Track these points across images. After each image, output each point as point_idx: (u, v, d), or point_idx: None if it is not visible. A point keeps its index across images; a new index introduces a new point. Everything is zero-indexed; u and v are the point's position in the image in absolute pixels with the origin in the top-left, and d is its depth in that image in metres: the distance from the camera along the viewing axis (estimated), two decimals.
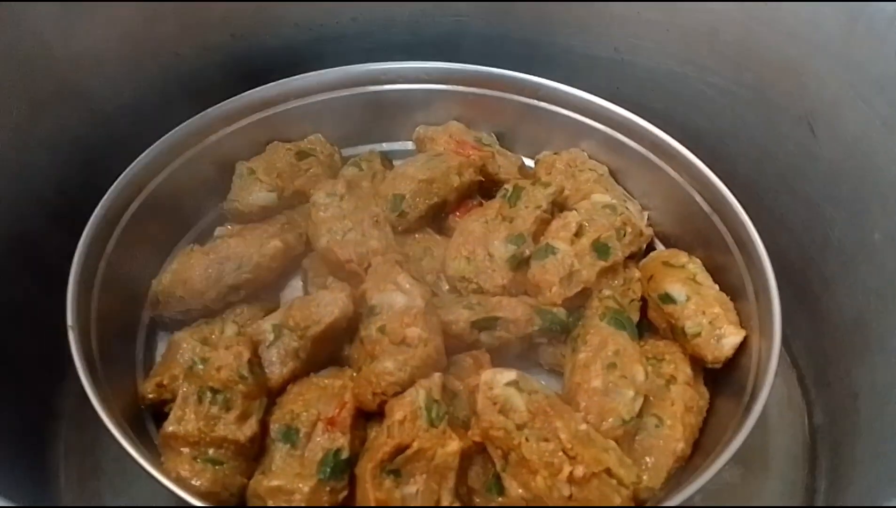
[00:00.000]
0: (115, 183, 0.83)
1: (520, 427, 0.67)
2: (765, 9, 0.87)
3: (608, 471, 0.65)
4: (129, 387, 0.79)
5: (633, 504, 0.67)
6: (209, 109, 0.94)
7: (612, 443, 0.68)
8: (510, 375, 0.69)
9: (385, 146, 1.07)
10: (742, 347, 0.78)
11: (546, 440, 0.66)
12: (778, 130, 0.90)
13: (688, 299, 0.81)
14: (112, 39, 0.90)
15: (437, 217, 0.96)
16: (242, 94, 0.96)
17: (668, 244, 0.95)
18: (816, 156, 0.86)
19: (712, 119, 0.97)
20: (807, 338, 0.92)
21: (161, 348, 0.85)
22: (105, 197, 0.82)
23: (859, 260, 0.81)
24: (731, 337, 0.77)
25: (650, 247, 0.95)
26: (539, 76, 1.00)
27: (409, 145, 1.07)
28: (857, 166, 0.81)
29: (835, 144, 0.83)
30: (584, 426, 0.68)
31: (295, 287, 0.93)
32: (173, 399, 0.75)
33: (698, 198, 0.89)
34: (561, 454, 0.65)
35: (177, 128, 0.91)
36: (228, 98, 0.95)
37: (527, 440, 0.66)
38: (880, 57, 0.76)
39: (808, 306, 0.89)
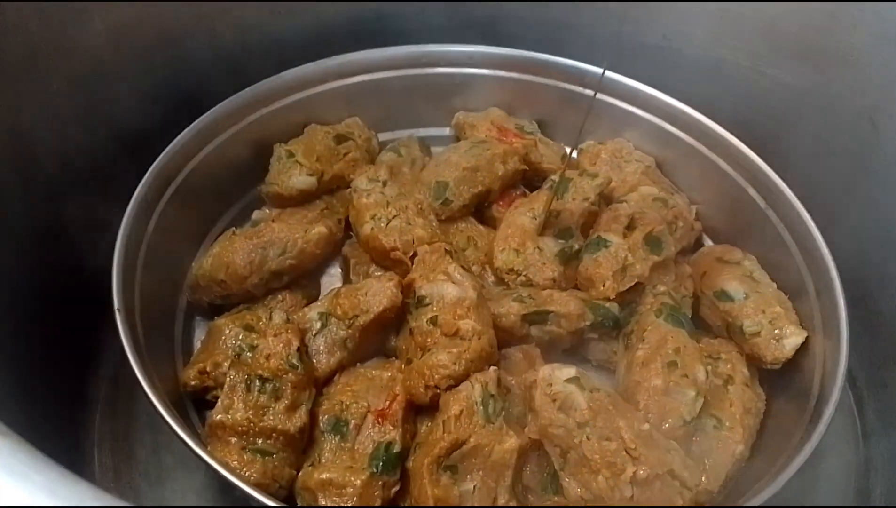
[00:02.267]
0: (152, 165, 0.81)
1: (581, 426, 0.65)
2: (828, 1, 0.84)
3: (671, 473, 0.63)
4: (170, 373, 0.76)
5: (693, 506, 0.65)
6: (245, 90, 0.91)
7: (675, 444, 0.66)
8: (570, 371, 0.67)
9: (422, 131, 1.04)
10: (803, 348, 0.75)
11: (608, 439, 0.64)
12: (837, 123, 0.87)
13: (746, 296, 0.79)
14: (150, 17, 0.87)
15: (480, 207, 0.93)
16: (279, 74, 0.93)
17: (716, 240, 0.93)
18: (878, 152, 0.83)
19: (766, 111, 0.94)
20: (861, 339, 0.89)
21: (199, 333, 0.83)
22: (143, 180, 0.79)
23: None
24: (793, 338, 0.75)
25: (699, 242, 0.93)
26: (581, 62, 0.97)
27: (447, 131, 1.04)
28: None
29: None
30: (646, 426, 0.66)
31: (332, 274, 0.90)
32: (215, 387, 0.73)
33: (752, 191, 0.87)
34: (624, 454, 0.63)
35: (213, 109, 0.88)
36: (265, 78, 0.92)
37: (588, 438, 0.64)
38: None
39: (863, 306, 0.86)
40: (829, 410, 0.66)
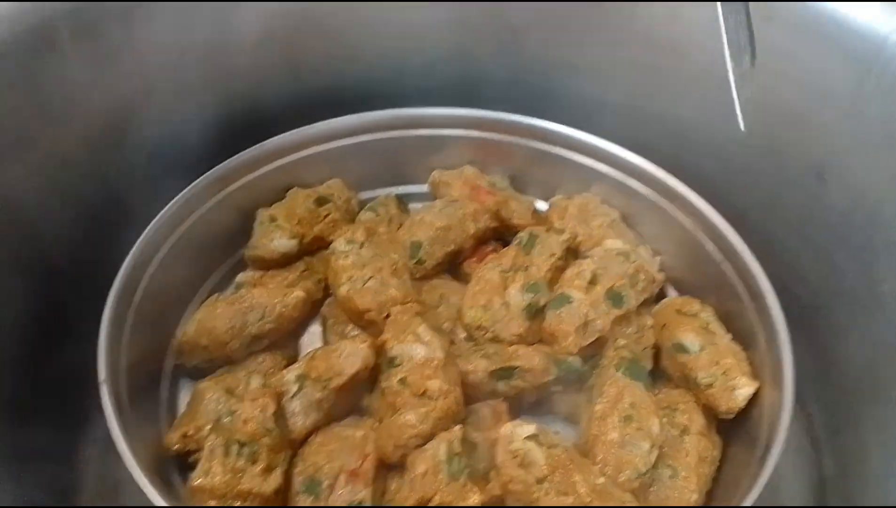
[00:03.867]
0: (142, 235, 0.85)
1: (539, 481, 0.68)
2: (775, 60, 0.89)
3: None
4: (153, 436, 0.81)
5: None
6: (230, 159, 0.96)
7: (629, 496, 0.70)
8: (530, 429, 0.71)
9: (401, 189, 1.09)
10: (754, 397, 0.79)
11: (565, 493, 0.68)
12: (788, 178, 0.92)
13: (701, 349, 0.82)
14: (142, 92, 0.93)
15: (453, 263, 0.98)
16: (263, 141, 0.99)
17: (680, 290, 0.97)
18: (826, 205, 0.87)
19: (724, 166, 0.99)
20: (817, 386, 0.93)
21: (184, 395, 0.87)
22: (133, 249, 0.84)
23: (869, 310, 0.83)
24: (745, 388, 0.79)
25: (662, 293, 0.97)
26: (552, 121, 1.02)
27: (426, 188, 1.09)
28: (866, 217, 0.82)
29: (844, 195, 0.85)
30: (601, 480, 0.69)
31: (313, 332, 0.95)
32: (198, 449, 0.77)
33: (709, 245, 0.91)
34: None
35: (201, 177, 0.93)
36: (251, 146, 0.98)
37: (546, 493, 0.68)
38: (888, 113, 0.78)
39: (818, 354, 0.90)
40: (771, 461, 0.70)
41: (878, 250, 0.81)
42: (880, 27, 0.77)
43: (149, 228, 0.87)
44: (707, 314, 0.87)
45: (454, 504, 0.68)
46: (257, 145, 0.98)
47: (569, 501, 0.67)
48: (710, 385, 0.80)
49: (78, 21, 0.86)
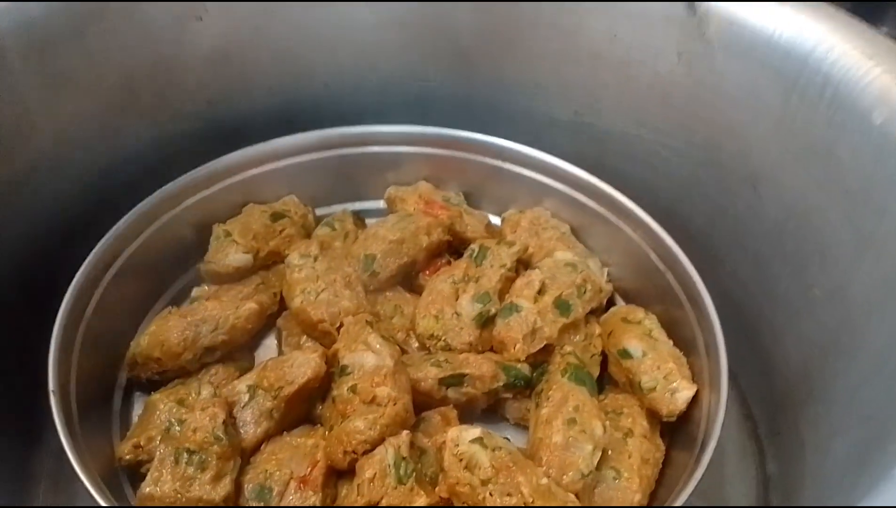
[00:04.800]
0: (93, 250, 0.86)
1: (484, 483, 0.70)
2: (711, 78, 0.93)
3: None
4: (106, 448, 0.81)
5: None
6: (185, 175, 0.97)
7: (572, 496, 0.72)
8: (475, 432, 0.73)
9: (358, 205, 1.11)
10: (694, 400, 0.82)
11: (509, 494, 0.69)
12: (727, 189, 0.95)
13: (644, 354, 0.85)
14: (93, 111, 0.94)
15: (408, 276, 1.00)
16: (219, 158, 1.00)
17: (627, 299, 1.00)
18: (761, 214, 0.91)
19: (668, 178, 1.02)
20: (759, 389, 0.96)
21: (138, 408, 0.88)
22: (84, 264, 0.85)
23: (802, 314, 0.86)
24: (684, 391, 0.81)
25: (612, 302, 1.00)
26: (503, 138, 1.05)
27: (381, 204, 1.11)
28: (797, 225, 0.86)
29: (777, 204, 0.89)
30: (545, 481, 0.71)
31: (268, 346, 0.96)
32: (150, 460, 0.78)
33: (653, 255, 0.94)
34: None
35: (154, 193, 0.94)
36: (205, 163, 0.99)
37: (490, 494, 0.69)
38: (812, 125, 0.82)
39: (759, 357, 0.94)
40: (706, 458, 0.72)
41: (808, 256, 0.84)
42: (804, 43, 0.82)
43: (100, 244, 0.88)
44: (650, 322, 0.90)
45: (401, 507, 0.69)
46: (212, 162, 1.00)
47: (513, 501, 0.69)
48: (652, 389, 0.83)
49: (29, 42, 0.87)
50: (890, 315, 0.72)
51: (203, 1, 0.96)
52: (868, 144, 0.76)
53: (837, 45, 0.80)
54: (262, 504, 0.73)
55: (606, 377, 0.91)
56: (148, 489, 0.71)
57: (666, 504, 0.71)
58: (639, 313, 0.92)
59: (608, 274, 0.99)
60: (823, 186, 0.82)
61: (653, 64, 0.97)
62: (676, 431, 0.84)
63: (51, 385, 0.74)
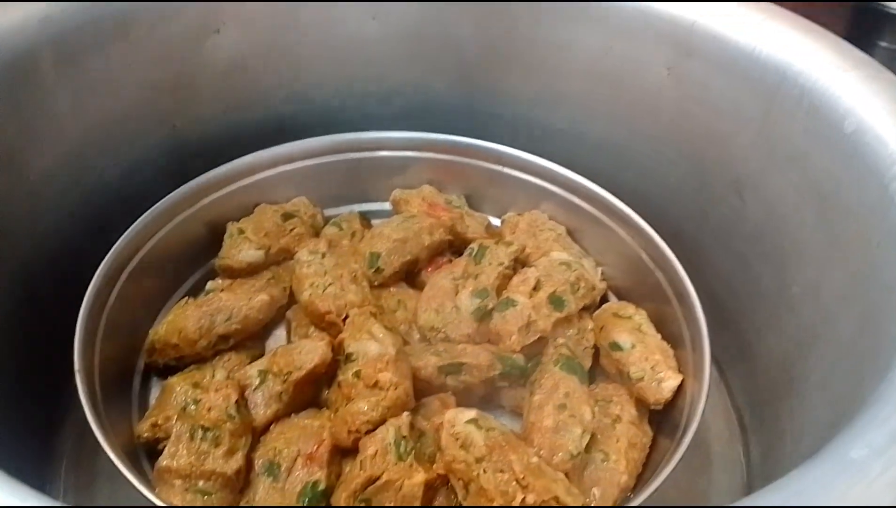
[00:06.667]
0: (114, 246, 0.92)
1: (478, 460, 0.75)
2: (696, 90, 0.99)
3: (556, 499, 0.73)
4: (125, 427, 0.86)
5: None
6: (200, 176, 1.03)
7: (561, 475, 0.76)
8: (470, 413, 0.78)
9: (364, 207, 1.17)
10: (679, 390, 0.87)
11: (501, 471, 0.74)
12: (712, 194, 1.01)
13: (633, 346, 0.90)
14: (116, 117, 1.01)
15: (411, 273, 1.05)
16: (233, 161, 1.06)
17: (620, 297, 1.05)
18: (744, 217, 0.96)
19: (658, 184, 1.08)
20: (744, 382, 1.01)
21: (155, 392, 0.93)
22: (105, 259, 0.90)
23: (782, 310, 0.91)
24: (670, 381, 0.86)
25: (605, 299, 1.05)
26: (503, 144, 1.11)
27: (387, 206, 1.16)
28: (777, 227, 0.91)
29: (759, 207, 0.94)
30: (535, 459, 0.76)
31: (278, 336, 1.01)
32: (166, 438, 0.83)
33: (644, 255, 1.00)
34: (514, 483, 0.73)
35: (172, 193, 1.00)
36: (220, 165, 1.05)
37: (484, 471, 0.74)
38: (790, 134, 0.88)
39: (743, 352, 0.99)
40: (686, 440, 0.77)
41: (787, 255, 0.90)
42: (782, 57, 0.87)
43: (120, 240, 0.93)
44: (640, 317, 0.95)
45: (401, 481, 0.74)
46: (227, 164, 1.06)
47: (505, 478, 0.74)
48: (640, 379, 0.88)
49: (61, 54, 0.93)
50: (857, 307, 0.77)
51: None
52: (839, 151, 0.81)
53: (813, 58, 0.86)
54: (271, 478, 0.78)
55: (598, 370, 0.95)
56: (165, 462, 0.76)
57: (648, 483, 0.75)
58: (629, 308, 0.97)
59: (602, 273, 1.04)
60: (800, 191, 0.88)
61: (643, 77, 1.03)
62: (662, 419, 0.89)
63: (76, 365, 0.80)
